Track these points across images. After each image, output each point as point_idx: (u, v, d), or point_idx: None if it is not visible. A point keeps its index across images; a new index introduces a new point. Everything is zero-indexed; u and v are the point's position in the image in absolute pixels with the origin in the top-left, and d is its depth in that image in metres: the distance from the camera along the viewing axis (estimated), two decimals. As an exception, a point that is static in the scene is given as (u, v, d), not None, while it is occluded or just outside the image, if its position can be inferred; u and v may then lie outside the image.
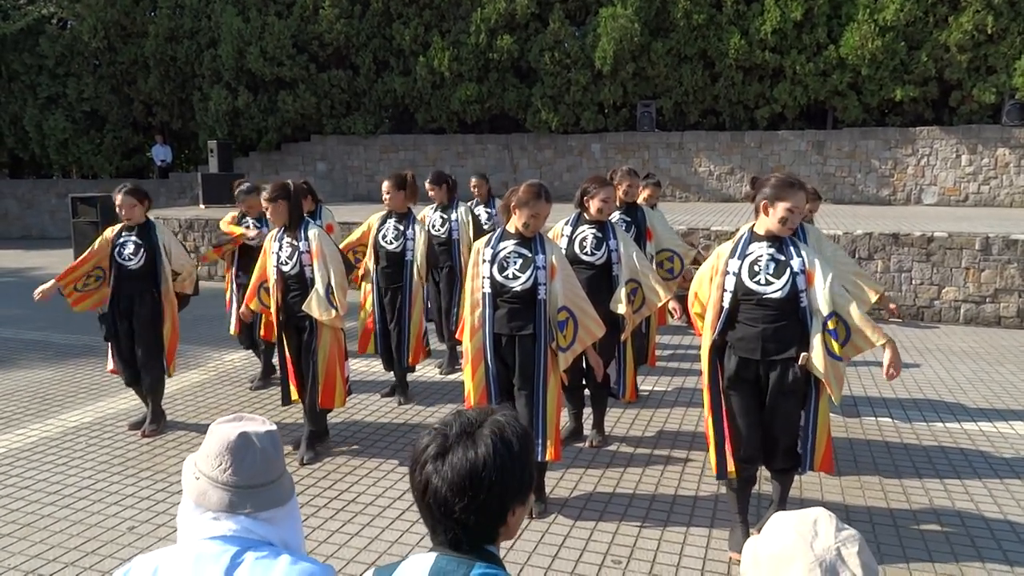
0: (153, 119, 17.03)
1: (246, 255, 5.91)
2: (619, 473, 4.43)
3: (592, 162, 14.42)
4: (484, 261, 3.84)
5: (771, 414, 3.43)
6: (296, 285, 4.61)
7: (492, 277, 3.80)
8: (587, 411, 4.94)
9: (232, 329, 6.05)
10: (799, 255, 3.34)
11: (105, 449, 4.83)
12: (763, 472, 3.82)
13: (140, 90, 16.55)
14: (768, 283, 3.33)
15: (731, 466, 3.45)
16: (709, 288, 3.53)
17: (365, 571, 1.24)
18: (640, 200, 5.55)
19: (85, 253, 5.12)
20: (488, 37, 14.01)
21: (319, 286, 4.51)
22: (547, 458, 3.77)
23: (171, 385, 6.10)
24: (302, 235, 4.59)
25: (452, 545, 1.33)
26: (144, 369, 5.06)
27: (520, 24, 14.16)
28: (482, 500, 1.29)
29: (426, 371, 6.47)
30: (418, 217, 5.85)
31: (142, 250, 5.00)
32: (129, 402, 5.67)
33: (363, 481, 4.35)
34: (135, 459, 4.68)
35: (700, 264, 3.85)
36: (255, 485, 1.43)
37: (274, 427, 1.52)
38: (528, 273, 3.75)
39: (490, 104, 14.58)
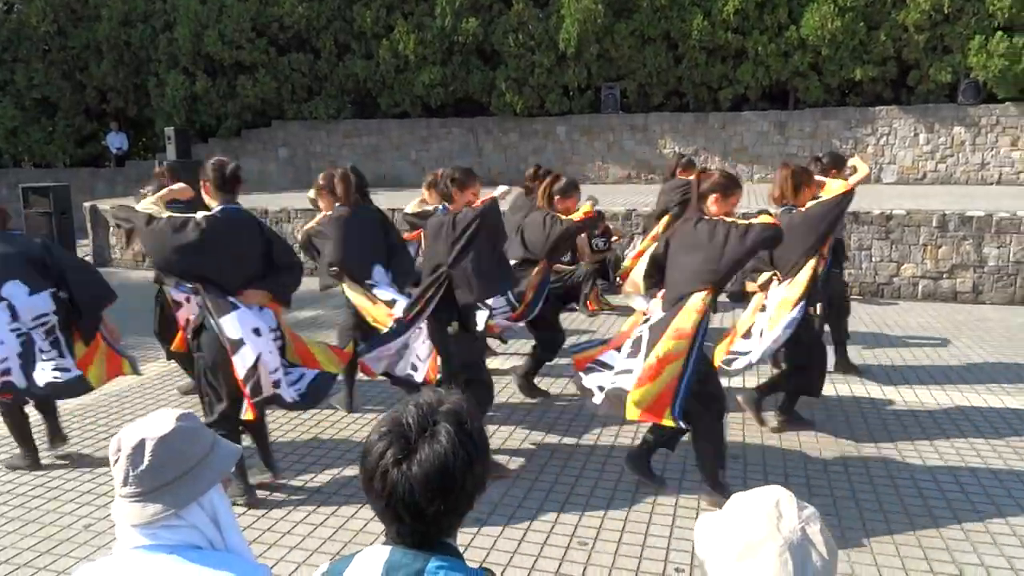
0: (107, 106, 16.55)
1: None
2: (584, 457, 4.44)
3: (557, 145, 14.38)
4: None
5: None
6: None
7: None
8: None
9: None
10: None
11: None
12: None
13: (93, 76, 16.06)
14: None
15: None
16: None
17: (324, 563, 1.24)
18: None
19: None
20: (454, 20, 13.85)
21: None
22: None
23: (131, 378, 5.96)
24: None
25: (414, 542, 1.29)
26: None
27: (484, 6, 14.01)
28: (454, 498, 1.26)
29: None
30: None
31: None
32: (83, 397, 5.51)
33: (328, 471, 4.31)
34: (90, 455, 4.57)
35: None
36: (145, 492, 1.37)
37: (175, 425, 1.42)
38: None
39: (454, 87, 14.43)
